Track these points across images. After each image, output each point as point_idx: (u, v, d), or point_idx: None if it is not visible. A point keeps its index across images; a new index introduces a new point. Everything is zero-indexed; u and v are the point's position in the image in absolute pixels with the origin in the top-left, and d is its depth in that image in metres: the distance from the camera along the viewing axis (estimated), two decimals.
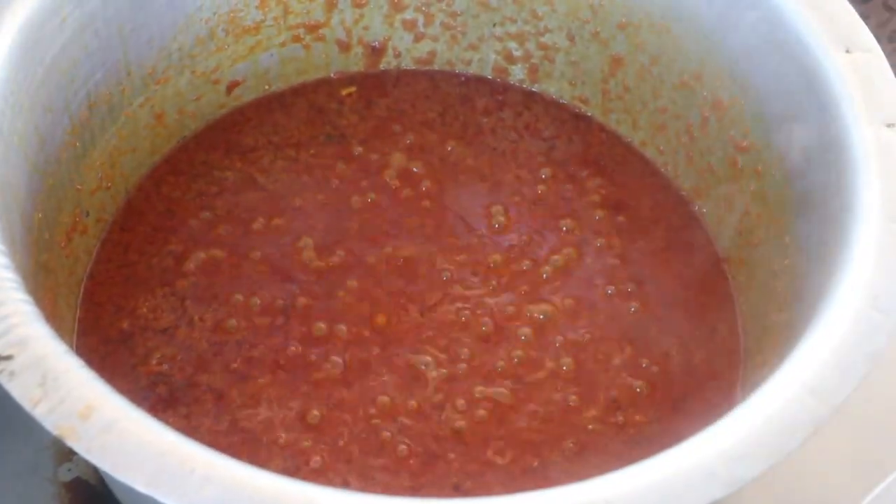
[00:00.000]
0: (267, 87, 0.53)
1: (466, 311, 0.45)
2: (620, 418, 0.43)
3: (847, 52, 0.41)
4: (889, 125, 0.38)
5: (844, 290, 0.35)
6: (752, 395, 0.32)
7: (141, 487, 0.30)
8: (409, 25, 0.53)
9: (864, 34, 0.41)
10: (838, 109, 0.40)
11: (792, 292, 0.41)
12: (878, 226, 0.36)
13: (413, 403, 0.43)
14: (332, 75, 0.54)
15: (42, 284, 0.41)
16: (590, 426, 0.42)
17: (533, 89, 0.54)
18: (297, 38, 0.52)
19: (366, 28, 0.53)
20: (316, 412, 0.42)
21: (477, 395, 0.43)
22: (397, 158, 0.51)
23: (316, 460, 0.41)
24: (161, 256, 0.47)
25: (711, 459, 0.30)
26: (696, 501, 0.29)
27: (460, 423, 0.42)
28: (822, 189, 0.40)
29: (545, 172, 0.50)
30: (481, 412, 0.43)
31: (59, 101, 0.43)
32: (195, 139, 0.51)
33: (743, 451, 0.30)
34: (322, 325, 0.45)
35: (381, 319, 0.45)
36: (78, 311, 0.45)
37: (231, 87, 0.52)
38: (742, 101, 0.45)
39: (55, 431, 0.31)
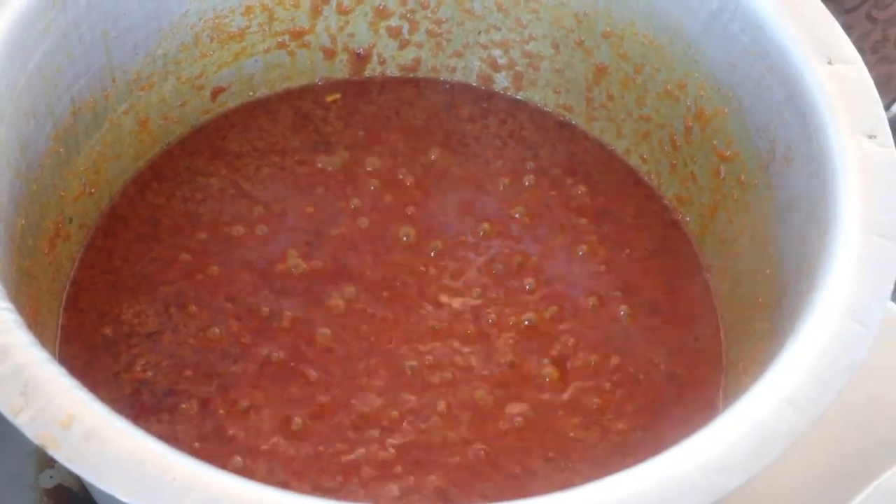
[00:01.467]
0: (252, 93, 0.53)
1: (450, 318, 0.45)
2: (603, 425, 0.43)
3: (829, 63, 0.41)
4: (870, 136, 0.39)
5: (825, 301, 0.35)
6: (733, 406, 0.32)
7: (122, 497, 0.30)
8: (394, 32, 0.53)
9: (845, 46, 0.42)
10: (820, 121, 0.40)
11: (773, 302, 0.41)
12: (858, 238, 0.36)
13: (396, 410, 0.43)
14: (317, 82, 0.54)
15: (25, 291, 0.40)
16: (572, 433, 0.43)
17: (517, 97, 0.54)
18: (281, 45, 0.52)
19: (351, 35, 0.53)
20: (299, 420, 0.42)
21: (460, 402, 0.43)
22: (382, 165, 0.51)
23: (299, 467, 0.41)
24: (145, 263, 0.47)
25: (692, 470, 0.30)
26: None
27: (444, 430, 0.42)
28: (804, 200, 0.40)
29: (529, 180, 0.51)
30: (465, 418, 0.43)
31: (42, 107, 0.43)
32: (180, 145, 0.51)
33: (723, 463, 0.31)
34: (306, 333, 0.45)
35: (365, 326, 0.45)
36: (61, 318, 0.45)
37: (216, 93, 0.52)
38: (725, 111, 0.46)
39: (36, 440, 0.31)
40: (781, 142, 0.42)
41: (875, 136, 0.39)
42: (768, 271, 0.43)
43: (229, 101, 0.53)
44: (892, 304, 0.48)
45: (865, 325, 0.34)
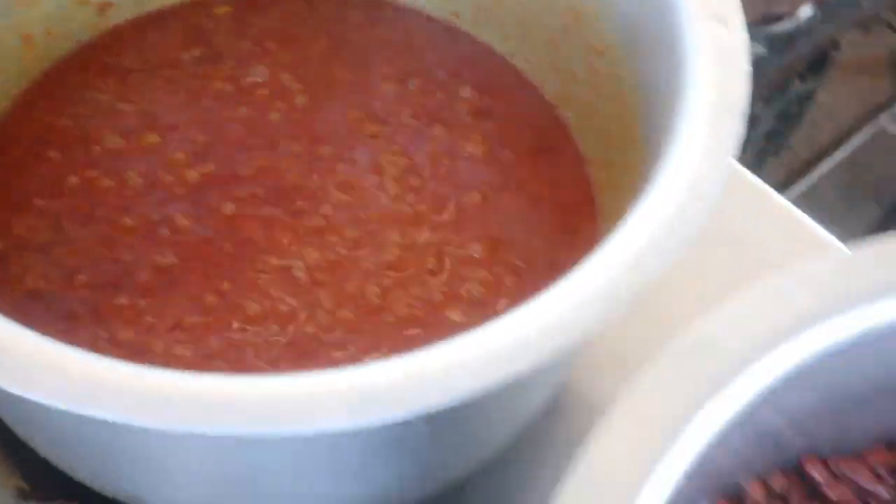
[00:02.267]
0: (141, 7, 0.53)
1: (338, 219, 0.47)
2: (485, 312, 0.45)
3: None
4: (720, 21, 0.40)
5: (668, 177, 0.37)
6: (574, 271, 0.34)
7: None
8: None
9: None
10: (674, 4, 0.41)
11: (638, 186, 0.43)
12: (705, 115, 0.38)
13: (285, 306, 0.44)
14: None
15: None
16: (457, 320, 0.44)
17: (406, 3, 0.55)
18: None
19: None
20: (191, 320, 0.44)
21: (347, 297, 0.45)
22: (271, 75, 0.52)
23: (191, 365, 0.42)
24: (35, 178, 0.47)
25: (530, 332, 0.32)
26: (506, 372, 0.31)
27: (331, 324, 0.44)
28: (661, 88, 0.42)
29: (415, 83, 0.52)
30: (351, 313, 0.44)
31: None
32: (67, 61, 0.51)
33: (560, 323, 0.32)
34: (197, 238, 0.46)
35: (254, 230, 0.46)
36: None
37: (103, 7, 0.52)
38: (595, 6, 0.47)
39: None
40: (643, 31, 0.44)
41: (724, 21, 0.40)
42: (636, 157, 0.44)
43: (118, 16, 0.53)
44: (741, 168, 0.51)
45: (704, 200, 0.36)
